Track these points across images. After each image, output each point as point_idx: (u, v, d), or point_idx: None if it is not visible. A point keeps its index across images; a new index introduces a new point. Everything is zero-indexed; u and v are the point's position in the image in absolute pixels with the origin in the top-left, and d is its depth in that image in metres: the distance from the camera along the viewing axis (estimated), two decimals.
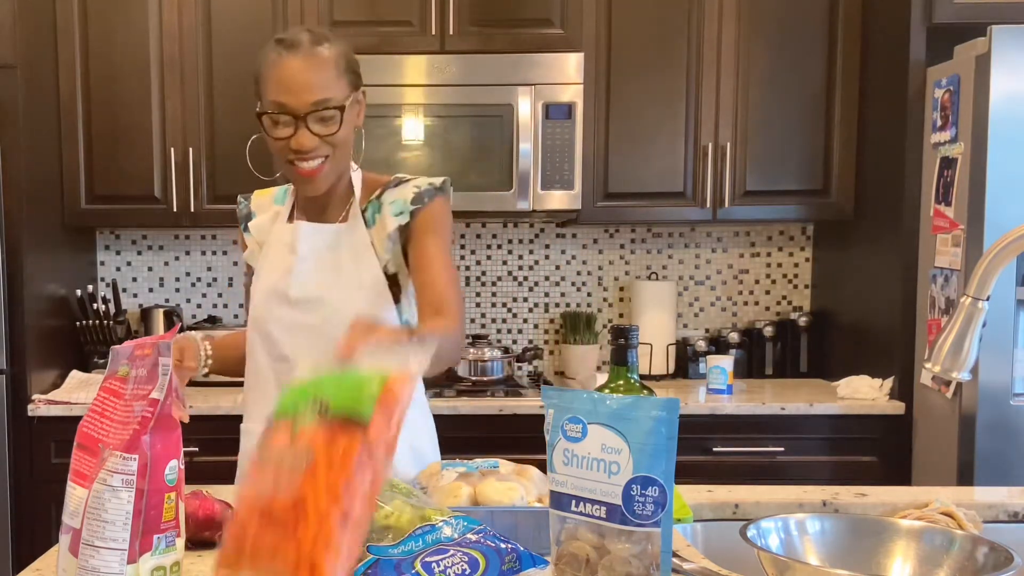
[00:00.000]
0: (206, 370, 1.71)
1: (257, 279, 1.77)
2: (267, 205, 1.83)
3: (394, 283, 1.72)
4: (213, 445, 2.83)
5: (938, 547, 1.19)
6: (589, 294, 3.59)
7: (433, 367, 1.43)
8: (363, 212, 1.74)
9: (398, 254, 1.72)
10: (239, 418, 3.05)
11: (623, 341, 1.24)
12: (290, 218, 1.78)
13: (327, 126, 1.63)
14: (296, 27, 1.72)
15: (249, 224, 1.82)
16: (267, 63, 1.63)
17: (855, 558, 1.22)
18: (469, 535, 1.08)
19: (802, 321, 3.42)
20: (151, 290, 3.56)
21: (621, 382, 1.25)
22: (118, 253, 3.56)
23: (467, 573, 1.02)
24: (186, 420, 1.08)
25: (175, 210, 3.16)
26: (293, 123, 1.61)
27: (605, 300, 3.59)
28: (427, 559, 1.02)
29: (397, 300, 1.73)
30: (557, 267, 3.58)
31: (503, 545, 1.08)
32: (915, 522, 1.26)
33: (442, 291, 1.65)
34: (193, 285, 3.56)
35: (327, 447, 0.96)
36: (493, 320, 3.58)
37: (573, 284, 3.58)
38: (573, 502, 1.03)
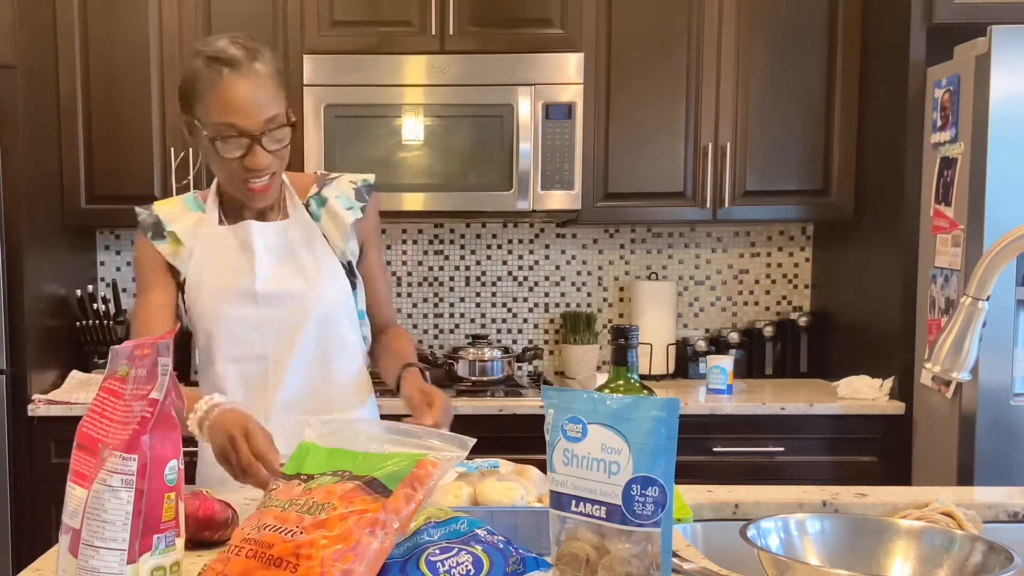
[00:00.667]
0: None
1: (199, 283, 1.72)
2: (180, 213, 1.77)
3: (350, 272, 1.77)
4: None
5: (938, 547, 1.19)
6: (589, 294, 3.59)
7: None
8: (306, 207, 1.76)
9: (355, 247, 1.78)
10: None
11: (623, 341, 1.24)
12: (221, 221, 1.75)
13: (279, 142, 1.63)
14: (220, 38, 1.64)
15: (167, 231, 1.74)
16: (205, 82, 1.60)
17: (855, 558, 1.22)
18: (478, 531, 1.08)
19: (802, 321, 3.42)
20: None
21: (621, 382, 1.25)
22: (118, 253, 3.56)
23: (471, 573, 1.02)
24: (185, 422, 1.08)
25: None
26: (246, 143, 1.59)
27: (605, 300, 3.59)
28: (431, 558, 1.02)
29: (353, 287, 1.78)
30: (557, 267, 3.58)
31: (510, 547, 1.08)
32: (915, 522, 1.26)
33: (386, 307, 1.88)
34: None
35: (344, 503, 0.97)
36: (493, 320, 3.58)
37: (573, 284, 3.58)
38: (573, 502, 1.03)
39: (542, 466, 1.18)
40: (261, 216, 1.75)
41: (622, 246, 3.58)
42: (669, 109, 3.16)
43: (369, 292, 1.83)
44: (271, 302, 1.70)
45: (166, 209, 1.78)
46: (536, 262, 3.57)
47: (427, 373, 1.74)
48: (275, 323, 1.70)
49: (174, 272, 1.75)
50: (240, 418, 1.49)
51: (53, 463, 2.93)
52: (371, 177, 1.82)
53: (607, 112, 3.15)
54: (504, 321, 3.58)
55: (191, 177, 3.14)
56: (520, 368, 3.37)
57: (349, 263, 1.77)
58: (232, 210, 1.75)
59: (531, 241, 3.56)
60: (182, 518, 1.06)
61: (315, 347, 1.73)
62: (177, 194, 3.13)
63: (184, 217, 1.76)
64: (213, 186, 1.78)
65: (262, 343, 1.71)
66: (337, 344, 1.76)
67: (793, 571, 1.07)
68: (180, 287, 1.76)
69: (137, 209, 1.80)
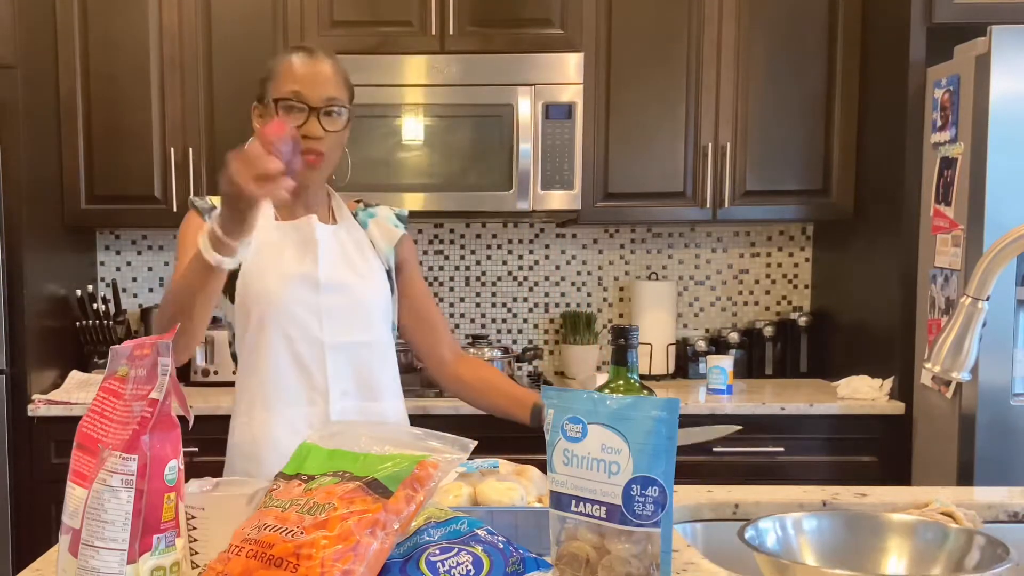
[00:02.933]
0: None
1: (260, 269, 1.81)
2: None
3: (388, 278, 1.91)
4: (213, 445, 2.82)
5: (933, 542, 1.19)
6: (589, 294, 3.59)
7: None
8: (355, 216, 1.92)
9: (393, 260, 1.93)
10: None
11: (623, 341, 1.24)
12: (276, 218, 1.85)
13: (334, 122, 1.77)
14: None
15: None
16: (282, 63, 1.78)
17: (851, 555, 1.22)
18: (478, 531, 1.08)
19: (802, 321, 3.42)
20: (151, 290, 3.56)
21: (621, 382, 1.25)
22: (118, 253, 3.56)
23: (472, 573, 1.02)
24: (189, 419, 1.08)
25: (175, 210, 3.16)
26: (306, 113, 1.75)
27: (605, 300, 3.59)
28: (432, 558, 1.02)
29: (392, 291, 1.92)
30: (557, 267, 3.58)
31: (509, 547, 1.08)
32: (909, 516, 1.26)
33: (448, 331, 2.00)
34: None
35: (344, 504, 0.97)
36: (493, 320, 3.58)
37: (573, 284, 3.59)
38: (573, 502, 1.03)
39: (542, 466, 1.18)
40: (313, 218, 1.86)
41: (622, 246, 3.58)
42: (669, 109, 3.16)
43: (423, 318, 1.96)
44: (330, 290, 1.82)
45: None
46: (536, 262, 3.57)
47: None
48: (332, 310, 1.82)
49: None
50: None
51: (53, 463, 2.93)
52: (405, 211, 1.99)
53: (607, 112, 3.15)
54: (504, 321, 3.58)
55: (191, 177, 3.15)
56: (520, 368, 3.37)
57: (388, 271, 1.91)
58: (284, 208, 1.87)
59: (531, 241, 3.56)
60: (182, 518, 1.06)
61: (363, 336, 1.85)
62: (177, 193, 3.14)
63: None
64: None
65: (319, 326, 1.81)
66: (381, 337, 1.89)
67: (790, 572, 1.07)
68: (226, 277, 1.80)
69: (193, 198, 1.89)
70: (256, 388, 1.84)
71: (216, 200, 1.87)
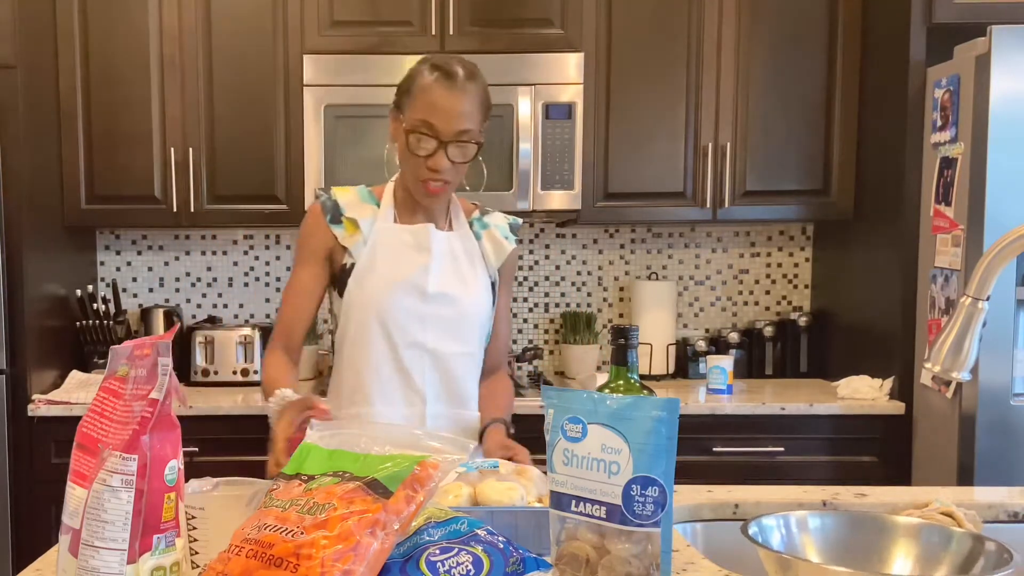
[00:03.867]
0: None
1: (378, 275, 1.86)
2: (356, 203, 1.90)
3: (492, 290, 1.96)
4: (213, 445, 2.83)
5: (938, 544, 1.19)
6: (589, 294, 3.59)
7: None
8: (469, 225, 1.96)
9: (497, 273, 1.98)
10: (239, 418, 3.05)
11: (623, 341, 1.24)
12: (395, 219, 1.91)
13: (463, 154, 1.80)
14: (451, 58, 1.84)
15: (345, 216, 1.88)
16: (421, 83, 1.78)
17: (855, 555, 1.22)
18: (478, 531, 1.08)
19: (802, 321, 3.42)
20: (151, 290, 3.56)
21: (621, 382, 1.25)
22: (118, 253, 3.56)
23: (472, 573, 1.02)
24: (186, 405, 1.09)
25: (175, 210, 3.17)
26: (435, 145, 1.76)
27: (605, 300, 3.59)
28: (432, 558, 1.02)
29: (493, 302, 1.97)
30: (557, 267, 3.58)
31: (509, 547, 1.08)
32: (914, 519, 1.26)
33: (504, 344, 2.05)
34: (193, 285, 3.56)
35: (344, 504, 0.97)
36: None
37: (573, 284, 3.58)
38: (573, 502, 1.03)
39: (542, 466, 1.18)
40: (427, 222, 1.90)
41: (622, 246, 3.58)
42: (669, 109, 3.16)
43: (493, 327, 1.99)
44: (437, 300, 1.86)
45: (344, 196, 1.91)
46: (536, 262, 3.57)
47: (512, 430, 1.90)
48: (436, 318, 1.87)
49: (336, 256, 1.89)
50: (278, 425, 1.61)
51: (53, 463, 2.93)
52: (519, 220, 2.03)
53: (607, 112, 3.15)
54: None
55: (191, 177, 3.15)
56: (520, 368, 3.37)
57: (493, 283, 1.96)
58: (406, 211, 1.91)
59: (531, 241, 3.56)
60: (182, 518, 1.06)
61: (464, 346, 1.91)
62: (177, 193, 3.14)
63: (361, 207, 1.90)
64: (389, 185, 1.93)
65: (423, 333, 1.86)
66: (478, 346, 1.95)
67: (794, 568, 1.07)
68: (341, 271, 1.88)
69: (316, 190, 1.97)
70: (356, 382, 1.89)
71: (338, 194, 1.91)
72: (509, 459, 1.68)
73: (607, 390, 1.24)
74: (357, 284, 1.87)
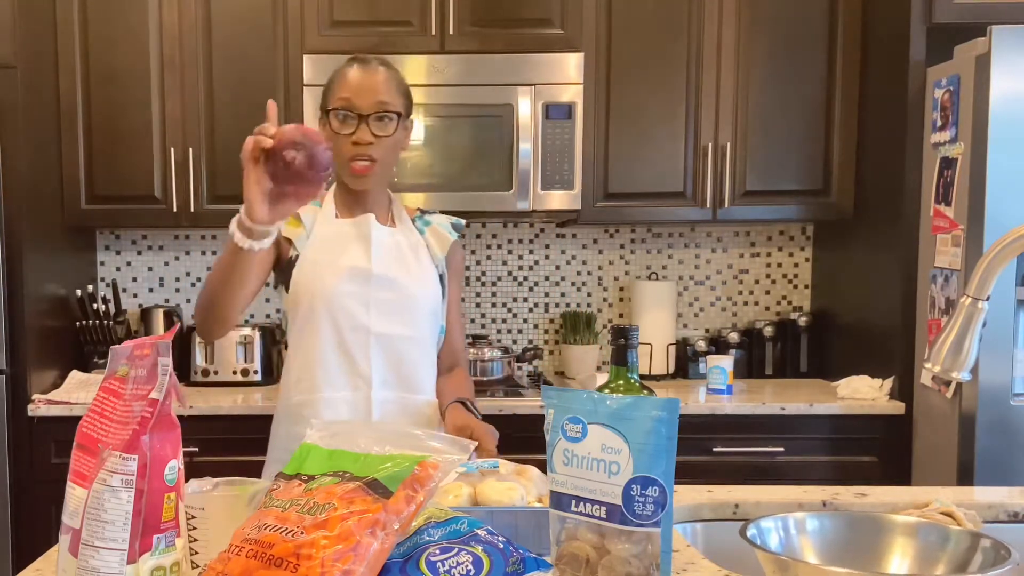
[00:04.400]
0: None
1: (321, 263, 1.89)
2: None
3: (441, 282, 2.00)
4: (213, 445, 2.83)
5: (935, 543, 1.19)
6: (589, 294, 3.59)
7: None
8: (412, 222, 2.01)
9: (444, 266, 2.01)
10: (239, 418, 3.05)
11: (623, 341, 1.24)
12: (336, 217, 1.95)
13: (385, 127, 1.86)
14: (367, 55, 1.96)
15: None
16: (337, 74, 1.90)
17: (853, 555, 1.22)
18: (478, 531, 1.08)
19: (802, 321, 3.42)
20: (151, 290, 3.56)
21: (621, 382, 1.25)
22: (118, 253, 3.56)
23: (472, 573, 1.02)
24: (186, 405, 1.08)
25: (175, 210, 3.17)
26: (356, 121, 1.84)
27: (605, 300, 3.59)
28: (432, 558, 1.02)
29: (443, 296, 2.00)
30: (557, 267, 3.58)
31: (509, 547, 1.08)
32: (911, 517, 1.26)
33: (458, 341, 2.07)
34: (193, 285, 3.56)
35: (345, 504, 0.97)
36: (493, 320, 3.58)
37: (573, 284, 3.58)
38: (573, 502, 1.03)
39: (542, 466, 1.18)
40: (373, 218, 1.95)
41: (622, 246, 3.58)
42: (669, 109, 3.16)
43: (446, 324, 2.03)
44: (380, 283, 1.90)
45: None
46: (536, 262, 3.57)
47: (476, 407, 1.91)
48: (380, 301, 1.90)
49: (281, 249, 1.91)
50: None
51: (53, 463, 2.93)
52: (462, 221, 2.09)
53: (607, 112, 3.15)
54: (504, 321, 3.58)
55: (191, 177, 3.15)
56: (520, 368, 3.37)
57: (441, 275, 2.00)
58: (346, 209, 1.96)
59: (531, 241, 3.56)
60: (182, 518, 1.06)
61: (410, 330, 1.93)
62: (177, 193, 3.15)
63: (304, 208, 1.92)
64: (331, 190, 1.99)
65: (366, 316, 1.89)
66: (426, 334, 1.96)
67: (792, 570, 1.07)
68: (286, 264, 1.91)
69: None
70: (302, 370, 1.91)
71: None
72: (469, 437, 1.69)
73: (607, 390, 1.24)
74: (301, 272, 1.90)
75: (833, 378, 3.22)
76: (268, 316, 3.56)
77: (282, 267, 1.92)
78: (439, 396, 1.99)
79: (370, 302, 1.89)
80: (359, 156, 1.85)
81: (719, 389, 3.10)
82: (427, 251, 1.99)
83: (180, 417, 1.06)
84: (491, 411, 2.94)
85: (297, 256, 1.91)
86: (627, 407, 1.01)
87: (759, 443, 2.95)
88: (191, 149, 3.14)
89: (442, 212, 2.10)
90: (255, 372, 3.25)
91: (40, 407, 2.92)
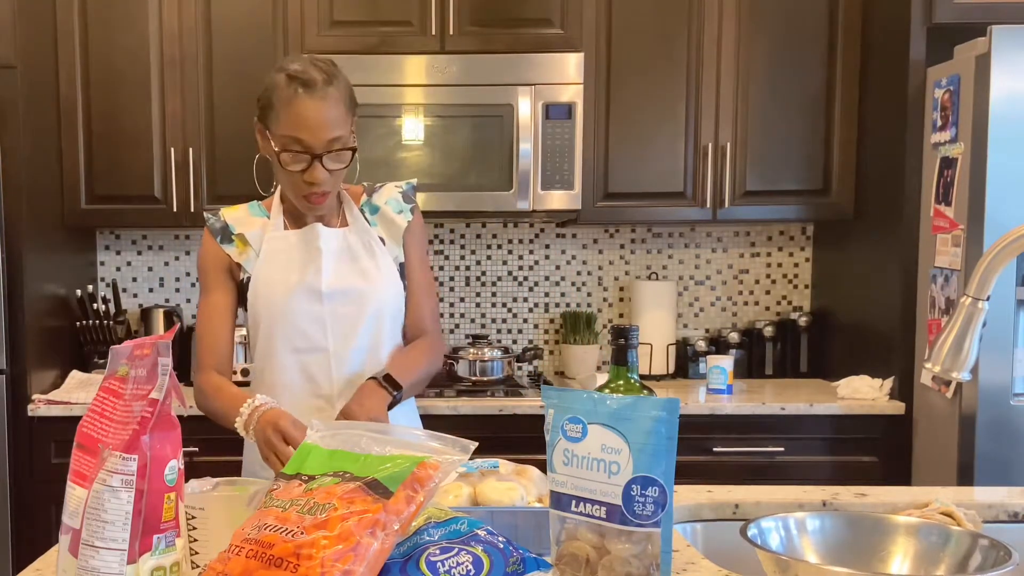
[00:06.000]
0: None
1: (271, 281, 1.84)
2: (246, 218, 1.90)
3: (402, 272, 1.90)
4: (213, 445, 2.83)
5: (937, 544, 1.19)
6: (589, 294, 3.59)
7: (417, 389, 1.89)
8: (361, 210, 1.90)
9: (401, 252, 1.91)
10: None
11: (623, 341, 1.24)
12: (285, 227, 1.88)
13: (339, 162, 1.76)
14: (301, 59, 1.79)
15: (235, 234, 1.87)
16: (281, 97, 1.73)
17: (854, 555, 1.22)
18: (478, 531, 1.08)
19: (802, 321, 3.42)
20: (151, 290, 3.56)
21: (621, 382, 1.25)
22: (118, 253, 3.56)
23: (472, 573, 1.02)
24: (186, 405, 1.09)
25: (175, 210, 3.17)
26: (307, 159, 1.72)
27: (605, 300, 3.59)
28: (432, 558, 1.02)
29: (404, 288, 1.91)
30: (557, 267, 3.58)
31: (510, 547, 1.08)
32: (912, 518, 1.26)
33: (423, 309, 1.94)
34: (193, 285, 3.56)
35: (345, 504, 0.97)
36: (493, 320, 3.58)
37: (573, 284, 3.58)
38: (573, 502, 1.03)
39: (542, 466, 1.18)
40: (322, 223, 1.87)
41: (622, 246, 3.58)
42: (669, 109, 3.16)
43: (406, 293, 1.92)
44: (334, 299, 1.83)
45: (233, 215, 1.91)
46: (536, 262, 3.57)
47: (393, 390, 1.77)
48: (336, 318, 1.83)
49: (235, 274, 1.88)
50: (274, 417, 1.60)
51: (53, 463, 2.93)
52: (414, 180, 1.98)
53: (607, 112, 3.15)
54: (504, 321, 3.58)
55: (191, 177, 3.15)
56: (520, 368, 3.37)
57: (401, 265, 1.90)
58: (294, 217, 1.88)
59: (531, 241, 3.56)
60: (182, 518, 1.06)
61: (369, 340, 1.85)
62: (177, 193, 3.15)
63: (250, 222, 1.89)
64: (276, 195, 1.92)
65: (323, 336, 1.83)
66: (389, 339, 1.88)
67: (792, 569, 1.07)
68: (240, 287, 1.88)
69: (206, 215, 1.93)
70: (268, 389, 1.85)
71: (227, 214, 1.91)
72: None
73: (607, 390, 1.24)
74: (254, 295, 1.85)
75: (833, 378, 3.22)
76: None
77: (240, 290, 1.88)
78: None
79: (325, 320, 1.82)
80: (311, 194, 1.76)
81: (719, 389, 3.10)
82: (381, 244, 1.88)
83: (180, 417, 1.06)
84: (491, 411, 2.95)
85: (248, 277, 1.86)
86: (627, 407, 1.01)
87: (759, 443, 2.95)
88: (191, 149, 3.14)
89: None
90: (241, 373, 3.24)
91: (40, 407, 2.92)
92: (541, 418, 1.07)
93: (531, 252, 3.57)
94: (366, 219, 1.89)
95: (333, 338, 1.83)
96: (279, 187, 1.89)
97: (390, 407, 1.76)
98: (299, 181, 1.74)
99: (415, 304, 1.93)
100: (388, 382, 1.76)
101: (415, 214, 1.93)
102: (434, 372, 1.94)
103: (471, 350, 3.22)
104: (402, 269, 1.90)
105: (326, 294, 1.82)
